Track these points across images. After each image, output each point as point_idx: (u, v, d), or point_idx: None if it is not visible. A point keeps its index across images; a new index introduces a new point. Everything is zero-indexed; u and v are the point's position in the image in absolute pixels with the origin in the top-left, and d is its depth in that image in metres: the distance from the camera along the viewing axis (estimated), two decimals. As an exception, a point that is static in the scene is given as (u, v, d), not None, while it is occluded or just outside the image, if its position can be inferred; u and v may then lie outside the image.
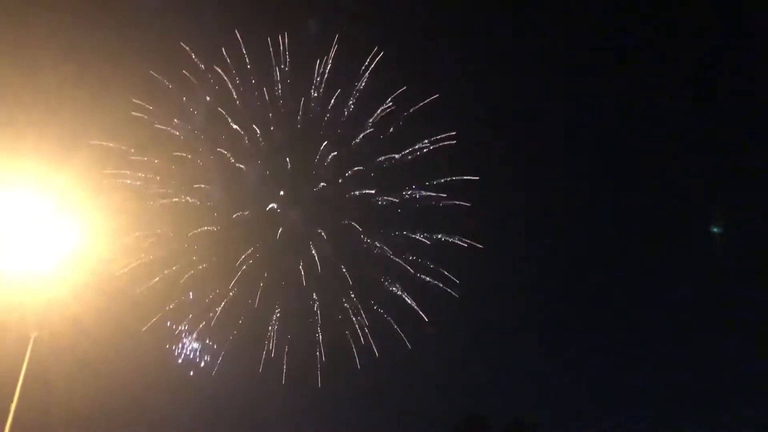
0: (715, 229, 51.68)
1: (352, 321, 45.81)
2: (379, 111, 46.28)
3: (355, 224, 46.84)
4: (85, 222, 30.54)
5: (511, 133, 58.50)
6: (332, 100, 46.39)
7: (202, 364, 46.03)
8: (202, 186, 45.88)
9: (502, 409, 47.77)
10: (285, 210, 48.02)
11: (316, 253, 46.47)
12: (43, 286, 28.56)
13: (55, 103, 40.71)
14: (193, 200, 45.54)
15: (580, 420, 50.62)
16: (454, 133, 46.35)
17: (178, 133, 45.29)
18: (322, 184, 47.53)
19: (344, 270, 46.38)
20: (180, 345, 45.21)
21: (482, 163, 50.54)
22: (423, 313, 45.24)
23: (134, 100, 43.68)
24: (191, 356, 45.43)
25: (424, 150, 46.71)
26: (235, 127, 46.05)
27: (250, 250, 46.46)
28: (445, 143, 46.68)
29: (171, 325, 44.59)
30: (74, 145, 40.23)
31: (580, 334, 55.52)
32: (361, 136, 46.77)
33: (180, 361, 45.06)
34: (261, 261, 46.85)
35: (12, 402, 24.88)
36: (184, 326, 45.02)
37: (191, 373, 45.46)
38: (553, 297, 55.81)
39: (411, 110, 46.16)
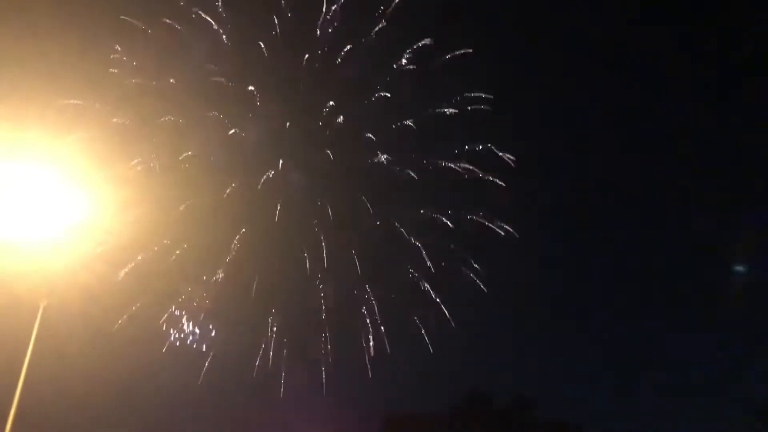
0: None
1: (364, 315, 40.97)
2: (396, 67, 39.71)
3: (366, 201, 40.75)
4: (90, 191, 30.70)
5: (561, 100, 51.40)
6: (341, 53, 39.90)
7: (203, 347, 42.26)
8: (189, 154, 40.33)
9: (505, 387, 47.82)
10: (284, 182, 41.43)
11: (322, 234, 40.93)
12: (51, 255, 28.79)
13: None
14: (181, 168, 40.34)
15: (583, 399, 51.18)
16: (490, 96, 39.09)
17: (156, 88, 39.66)
18: (327, 152, 41.12)
19: (354, 255, 40.75)
20: (176, 327, 41.86)
21: (524, 135, 44.93)
22: (444, 304, 39.84)
23: (118, 51, 38.70)
24: (188, 340, 42.16)
25: (450, 114, 39.31)
26: (226, 83, 40.05)
27: (242, 231, 40.73)
28: (478, 107, 39.18)
29: (167, 305, 41.40)
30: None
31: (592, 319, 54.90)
32: (374, 96, 40.00)
33: (177, 344, 41.83)
34: (256, 244, 41.13)
35: (23, 367, 25.24)
36: (179, 311, 41.66)
37: (194, 347, 42.46)
38: (580, 287, 54.26)
39: (436, 67, 39.39)
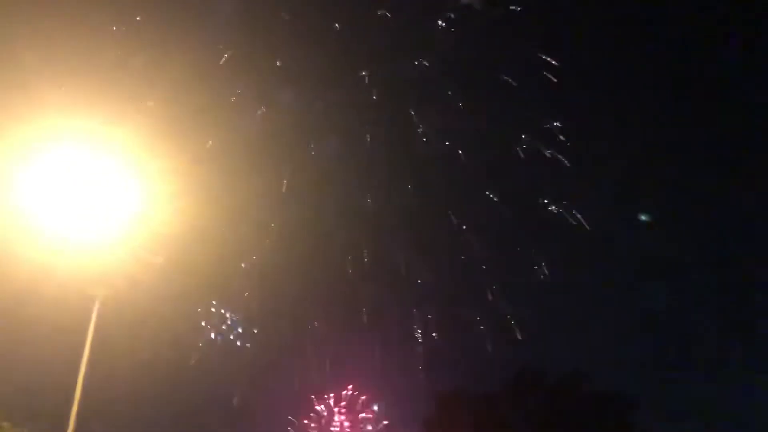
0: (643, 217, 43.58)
1: (412, 324, 37.70)
2: (439, 26, 33.38)
3: (411, 188, 35.82)
4: (142, 183, 30.94)
5: (632, 69, 43.76)
6: (377, 15, 34.10)
7: (247, 344, 42.28)
8: (216, 141, 37.26)
9: (559, 363, 46.97)
10: (319, 169, 37.61)
11: (362, 228, 37.79)
12: (107, 246, 29.14)
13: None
14: (216, 157, 37.91)
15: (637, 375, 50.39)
16: (555, 63, 32.79)
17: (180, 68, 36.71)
18: (366, 135, 36.25)
19: (399, 249, 37.22)
20: (217, 319, 42.14)
21: (594, 109, 38.06)
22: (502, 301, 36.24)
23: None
24: (231, 335, 42.14)
25: (504, 83, 32.71)
26: (252, 58, 36.14)
27: (272, 225, 38.45)
28: (541, 72, 32.67)
29: (209, 296, 41.50)
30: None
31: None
32: (415, 62, 34.09)
33: (218, 339, 41.88)
34: (292, 234, 38.42)
35: (83, 354, 25.69)
36: (219, 303, 41.49)
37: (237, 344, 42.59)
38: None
39: (485, 25, 32.84)
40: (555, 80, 31.97)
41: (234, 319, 42.72)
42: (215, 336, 42.00)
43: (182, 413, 48.01)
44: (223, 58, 36.85)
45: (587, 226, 34.78)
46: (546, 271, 36.50)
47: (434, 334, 40.35)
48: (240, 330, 42.33)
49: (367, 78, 35.37)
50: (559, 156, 34.05)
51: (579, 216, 35.00)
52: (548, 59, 32.59)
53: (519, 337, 37.06)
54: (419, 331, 39.72)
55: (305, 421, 50.24)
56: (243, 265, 41.51)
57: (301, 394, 47.28)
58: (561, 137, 34.13)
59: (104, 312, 27.39)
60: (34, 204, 27.68)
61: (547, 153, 34.17)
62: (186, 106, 39.82)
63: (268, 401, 48.35)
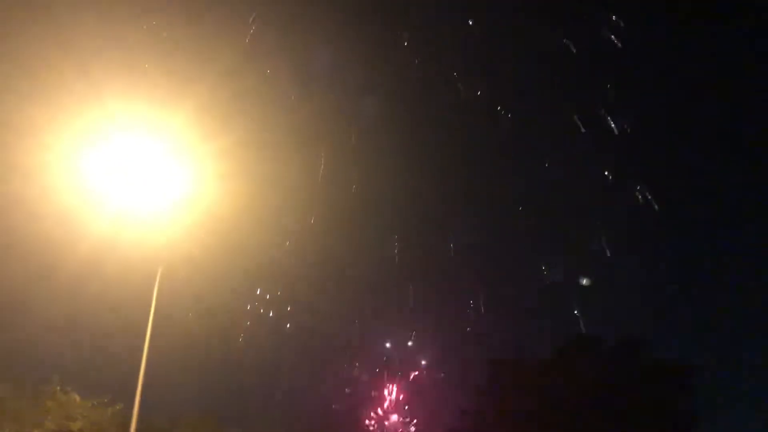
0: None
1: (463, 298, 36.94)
2: None
3: (456, 162, 33.75)
4: (193, 165, 31.91)
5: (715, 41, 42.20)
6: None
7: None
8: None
9: (616, 330, 45.99)
10: (359, 147, 37.77)
11: (408, 205, 37.07)
12: (164, 224, 30.34)
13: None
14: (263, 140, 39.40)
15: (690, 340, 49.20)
16: (622, 24, 31.25)
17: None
18: (408, 100, 36.19)
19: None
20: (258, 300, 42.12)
21: (664, 80, 35.72)
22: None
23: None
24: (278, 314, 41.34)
25: (564, 50, 31.18)
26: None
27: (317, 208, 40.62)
28: (606, 35, 30.56)
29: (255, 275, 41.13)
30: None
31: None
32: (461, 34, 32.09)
33: (264, 318, 41.15)
34: (336, 224, 39.28)
35: (147, 328, 26.86)
36: (266, 286, 41.78)
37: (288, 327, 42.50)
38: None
39: None
40: (620, 45, 26.99)
41: (280, 298, 43.89)
42: (262, 313, 43.35)
43: (231, 388, 49.56)
44: (251, 32, 35.82)
45: (655, 205, 30.30)
46: (605, 246, 32.52)
47: (485, 306, 38.39)
48: (288, 308, 43.34)
49: (407, 43, 32.18)
50: (623, 126, 30.53)
51: (645, 191, 30.59)
52: (616, 18, 27.03)
53: (575, 309, 33.38)
54: (471, 303, 38.44)
55: (346, 390, 50.86)
56: (287, 244, 40.82)
57: (348, 370, 47.93)
58: (624, 107, 31.20)
59: (163, 288, 28.70)
60: (95, 184, 29.01)
61: (611, 123, 30.15)
62: (231, 87, 40.64)
63: (314, 377, 49.41)
